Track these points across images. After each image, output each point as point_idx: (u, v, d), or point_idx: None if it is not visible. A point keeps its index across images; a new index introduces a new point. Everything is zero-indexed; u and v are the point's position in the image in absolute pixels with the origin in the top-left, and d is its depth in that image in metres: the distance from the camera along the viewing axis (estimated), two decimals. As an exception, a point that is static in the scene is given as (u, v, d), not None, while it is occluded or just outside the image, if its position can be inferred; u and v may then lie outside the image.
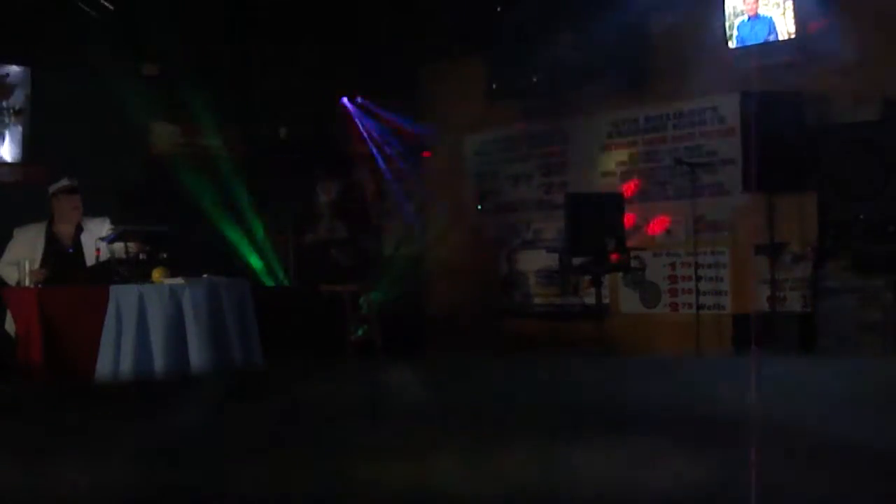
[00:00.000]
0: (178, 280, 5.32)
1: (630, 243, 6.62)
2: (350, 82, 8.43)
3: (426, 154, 8.63)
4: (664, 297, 7.27)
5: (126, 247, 5.59)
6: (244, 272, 6.53)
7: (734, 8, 6.47)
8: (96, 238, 5.76)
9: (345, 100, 8.57)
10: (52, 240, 5.81)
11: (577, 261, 6.47)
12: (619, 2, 7.00)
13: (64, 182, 5.88)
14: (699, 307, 6.68)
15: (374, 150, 8.49)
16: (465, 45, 7.88)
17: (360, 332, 7.39)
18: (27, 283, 5.46)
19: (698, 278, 6.77)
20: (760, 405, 0.66)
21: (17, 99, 7.01)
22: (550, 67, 7.43)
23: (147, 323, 5.17)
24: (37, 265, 5.63)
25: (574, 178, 7.77)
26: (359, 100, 8.56)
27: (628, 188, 7.35)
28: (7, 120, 6.98)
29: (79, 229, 5.86)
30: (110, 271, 5.55)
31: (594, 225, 6.29)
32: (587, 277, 6.63)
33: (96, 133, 7.04)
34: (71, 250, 5.82)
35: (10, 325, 5.59)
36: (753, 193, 6.48)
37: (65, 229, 5.85)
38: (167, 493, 0.56)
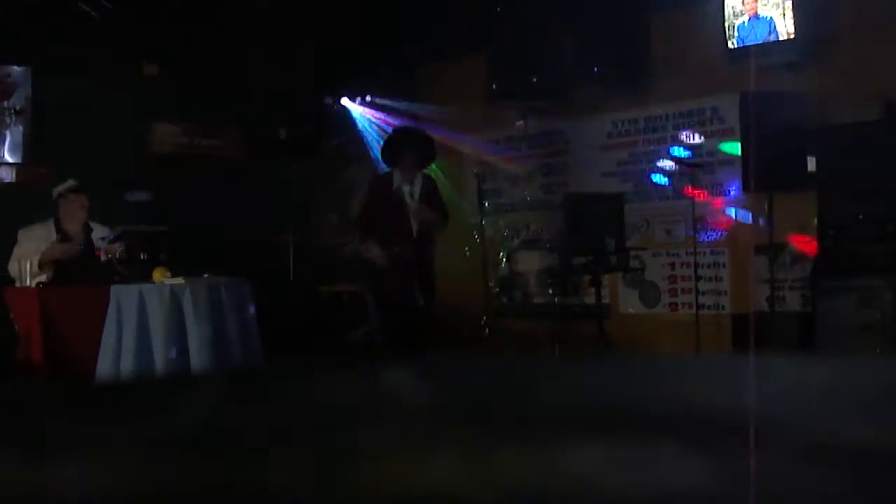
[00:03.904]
0: (179, 280, 5.32)
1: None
2: (349, 82, 8.43)
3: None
4: (664, 296, 7.28)
5: (126, 247, 5.60)
6: (245, 272, 6.51)
7: (734, 8, 6.47)
8: (97, 238, 5.79)
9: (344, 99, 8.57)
10: (63, 237, 5.83)
11: (577, 261, 6.47)
12: (619, 2, 7.00)
13: (70, 182, 5.91)
14: (699, 307, 6.68)
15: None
16: (465, 45, 7.88)
17: (361, 333, 7.38)
18: (28, 282, 5.47)
19: (698, 278, 6.77)
20: (760, 405, 0.66)
21: (18, 99, 7.01)
22: (550, 67, 7.43)
23: (147, 323, 5.18)
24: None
25: (574, 178, 7.77)
26: (357, 99, 8.56)
27: (628, 188, 7.35)
28: (8, 120, 6.98)
29: (88, 228, 5.90)
30: (111, 271, 5.56)
31: (594, 225, 6.30)
32: (587, 277, 6.63)
33: (96, 133, 7.05)
34: (82, 248, 5.84)
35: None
36: (753, 193, 6.49)
37: (73, 228, 5.88)
38: (167, 493, 0.57)
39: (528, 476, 0.67)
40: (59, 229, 5.83)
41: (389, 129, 7.81)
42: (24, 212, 6.13)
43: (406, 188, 6.33)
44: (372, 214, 6.44)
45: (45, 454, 0.72)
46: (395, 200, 6.26)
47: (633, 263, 6.95)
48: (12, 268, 5.70)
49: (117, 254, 5.60)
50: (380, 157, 6.98)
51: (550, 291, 7.86)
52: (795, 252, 6.41)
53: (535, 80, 7.41)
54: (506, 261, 8.17)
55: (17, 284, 5.58)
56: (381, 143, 7.16)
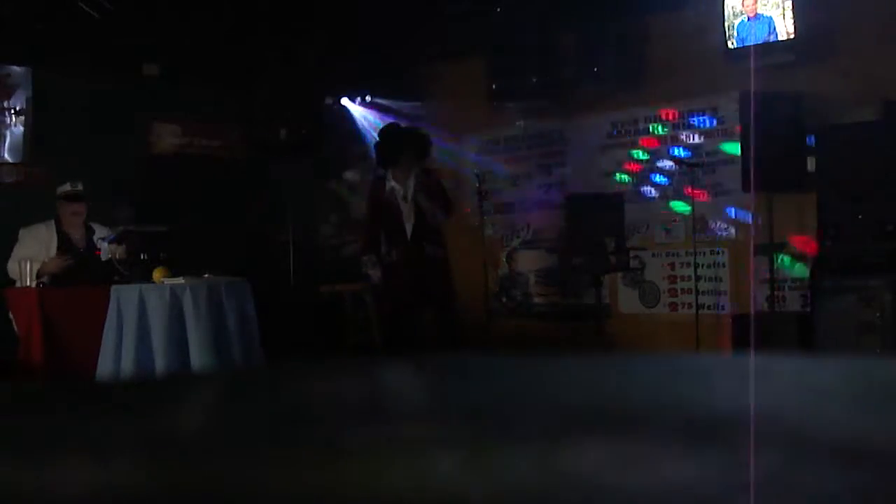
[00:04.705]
0: (179, 280, 5.33)
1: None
2: (350, 82, 8.43)
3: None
4: (663, 296, 7.28)
5: (126, 247, 5.61)
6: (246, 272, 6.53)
7: (734, 8, 6.47)
8: (97, 238, 5.81)
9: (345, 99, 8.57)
10: (64, 239, 5.84)
11: (576, 261, 6.47)
12: (619, 2, 7.00)
13: (66, 188, 5.91)
14: (699, 307, 6.69)
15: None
16: (465, 45, 7.88)
17: (363, 334, 7.37)
18: (28, 282, 5.48)
19: (697, 278, 6.77)
20: (760, 405, 0.66)
21: (19, 99, 7.02)
22: (550, 67, 7.43)
23: (148, 323, 5.18)
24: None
25: (574, 178, 7.77)
26: (357, 100, 8.56)
27: (628, 188, 7.35)
28: (8, 120, 6.99)
29: (90, 230, 5.91)
30: (111, 271, 5.57)
31: (594, 225, 6.30)
32: (587, 277, 6.63)
33: (96, 133, 7.05)
34: (83, 250, 5.85)
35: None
36: (753, 193, 6.49)
37: (75, 231, 5.90)
38: (167, 493, 0.56)
39: (528, 476, 0.67)
40: (59, 230, 5.84)
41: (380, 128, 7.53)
42: (24, 212, 6.14)
43: (399, 190, 6.18)
44: (369, 223, 6.41)
45: (46, 454, 0.72)
46: (387, 204, 6.18)
47: (633, 263, 6.95)
48: (12, 268, 5.71)
49: (117, 254, 5.61)
50: (374, 158, 6.75)
51: (550, 291, 7.87)
52: (795, 252, 6.42)
53: (535, 80, 7.41)
54: (506, 261, 8.18)
55: (18, 284, 5.59)
56: (374, 143, 6.91)
